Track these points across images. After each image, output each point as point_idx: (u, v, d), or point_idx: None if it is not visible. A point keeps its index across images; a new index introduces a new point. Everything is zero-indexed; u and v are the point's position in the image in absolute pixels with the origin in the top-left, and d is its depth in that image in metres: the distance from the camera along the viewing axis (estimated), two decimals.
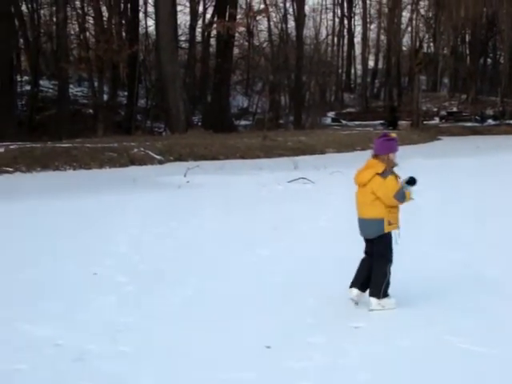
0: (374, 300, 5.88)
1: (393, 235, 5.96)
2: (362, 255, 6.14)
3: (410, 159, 23.05)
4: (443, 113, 52.24)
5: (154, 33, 38.13)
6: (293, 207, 12.33)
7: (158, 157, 23.41)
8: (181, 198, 13.80)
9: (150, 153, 23.47)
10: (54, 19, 37.30)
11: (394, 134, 6.01)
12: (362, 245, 6.46)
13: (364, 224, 5.95)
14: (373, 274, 5.92)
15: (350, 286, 6.06)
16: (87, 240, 9.23)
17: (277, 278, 7.07)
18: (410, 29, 60.28)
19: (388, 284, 5.91)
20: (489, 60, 64.45)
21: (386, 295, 5.90)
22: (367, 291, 6.03)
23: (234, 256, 8.16)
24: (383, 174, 5.77)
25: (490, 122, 47.36)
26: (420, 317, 5.73)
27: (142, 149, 23.58)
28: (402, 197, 5.78)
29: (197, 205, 12.75)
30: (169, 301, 6.28)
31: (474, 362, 4.73)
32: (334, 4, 60.63)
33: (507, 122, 46.46)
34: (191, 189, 15.15)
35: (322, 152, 28.18)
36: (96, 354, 4.92)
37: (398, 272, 6.95)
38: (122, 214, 11.51)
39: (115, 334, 5.33)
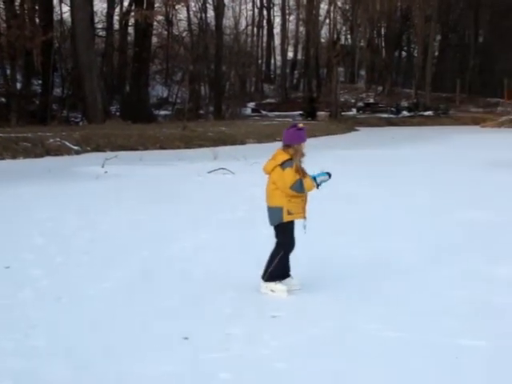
0: (261, 281, 6.08)
1: (300, 225, 6.09)
2: None
3: (328, 150, 23.52)
4: (360, 104, 53.42)
5: (70, 19, 37.18)
6: (213, 198, 12.33)
7: (74, 147, 22.90)
8: (99, 189, 13.55)
9: (67, 143, 22.92)
10: None
11: (301, 124, 6.10)
12: None
13: (268, 212, 6.11)
14: (269, 257, 6.08)
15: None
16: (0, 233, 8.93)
17: (196, 270, 7.07)
18: (327, 21, 61.26)
19: (279, 270, 6.03)
20: (403, 53, 66.31)
21: (275, 280, 6.03)
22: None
23: (153, 247, 8.08)
24: (282, 166, 5.90)
25: (405, 113, 48.80)
26: (336, 305, 5.85)
27: (58, 139, 22.99)
28: (299, 187, 5.88)
29: (115, 196, 12.55)
30: (86, 294, 6.16)
31: (390, 348, 4.86)
32: None
33: (421, 113, 47.95)
34: (109, 180, 14.91)
35: (243, 142, 28.30)
36: (7, 349, 4.77)
37: (313, 260, 7.10)
38: (38, 206, 11.19)
39: (28, 329, 5.19)
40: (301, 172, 5.94)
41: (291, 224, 6.02)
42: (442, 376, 4.42)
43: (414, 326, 5.33)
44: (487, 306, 5.83)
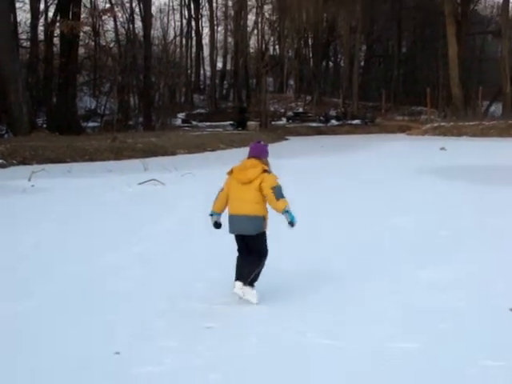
0: (238, 283, 6.03)
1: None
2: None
3: None
4: (290, 113, 53.86)
5: None
6: (143, 210, 12.19)
7: None
8: (25, 202, 13.19)
9: None
10: None
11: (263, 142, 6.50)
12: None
13: (243, 220, 6.08)
14: (249, 263, 6.09)
15: (236, 280, 6.10)
16: None
17: (126, 284, 6.95)
18: (256, 31, 61.69)
19: (258, 276, 6.11)
20: (330, 63, 67.42)
21: (251, 284, 6.06)
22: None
23: (83, 262, 7.92)
24: (268, 171, 6.17)
25: (334, 122, 49.50)
26: (270, 315, 5.87)
27: None
28: (279, 193, 6.07)
29: (43, 209, 12.25)
30: (13, 310, 5.98)
31: (325, 355, 4.91)
32: (181, 5, 60.68)
33: (349, 122, 48.81)
34: (37, 193, 14.53)
35: (173, 153, 28.10)
36: None
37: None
38: None
39: None
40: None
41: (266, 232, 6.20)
42: (378, 381, 4.49)
43: (347, 332, 5.40)
44: (416, 310, 5.97)
